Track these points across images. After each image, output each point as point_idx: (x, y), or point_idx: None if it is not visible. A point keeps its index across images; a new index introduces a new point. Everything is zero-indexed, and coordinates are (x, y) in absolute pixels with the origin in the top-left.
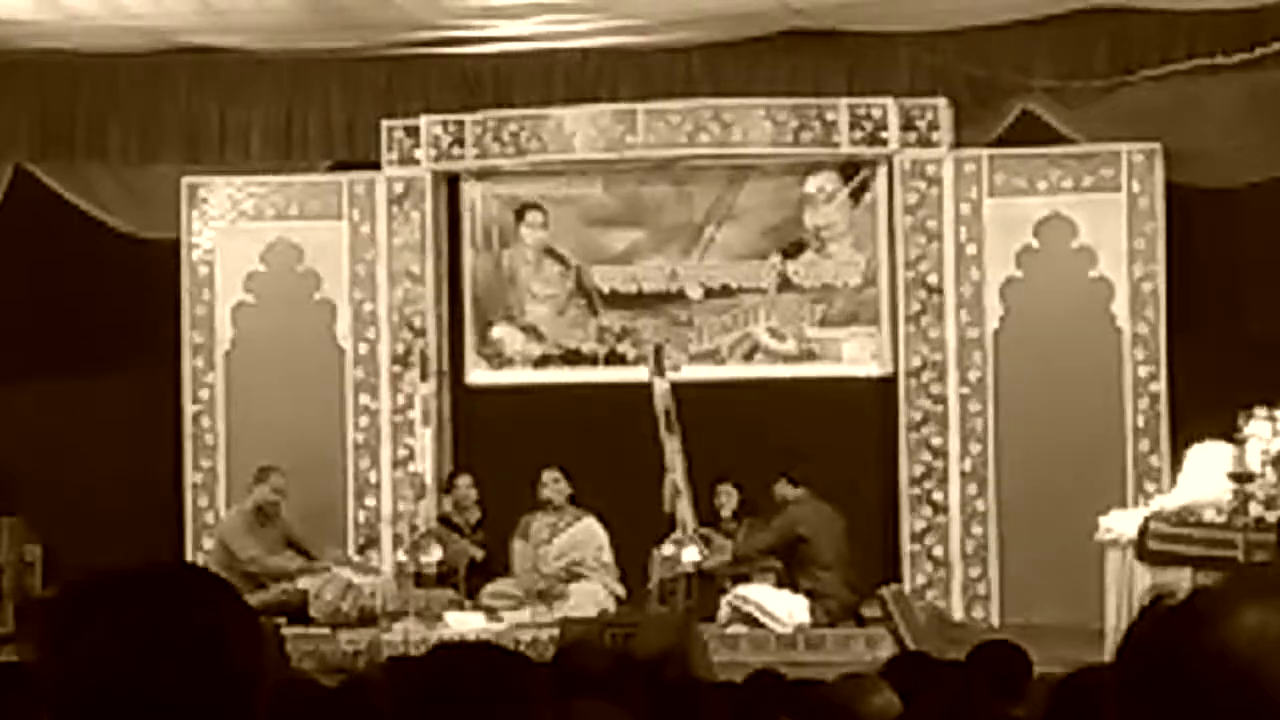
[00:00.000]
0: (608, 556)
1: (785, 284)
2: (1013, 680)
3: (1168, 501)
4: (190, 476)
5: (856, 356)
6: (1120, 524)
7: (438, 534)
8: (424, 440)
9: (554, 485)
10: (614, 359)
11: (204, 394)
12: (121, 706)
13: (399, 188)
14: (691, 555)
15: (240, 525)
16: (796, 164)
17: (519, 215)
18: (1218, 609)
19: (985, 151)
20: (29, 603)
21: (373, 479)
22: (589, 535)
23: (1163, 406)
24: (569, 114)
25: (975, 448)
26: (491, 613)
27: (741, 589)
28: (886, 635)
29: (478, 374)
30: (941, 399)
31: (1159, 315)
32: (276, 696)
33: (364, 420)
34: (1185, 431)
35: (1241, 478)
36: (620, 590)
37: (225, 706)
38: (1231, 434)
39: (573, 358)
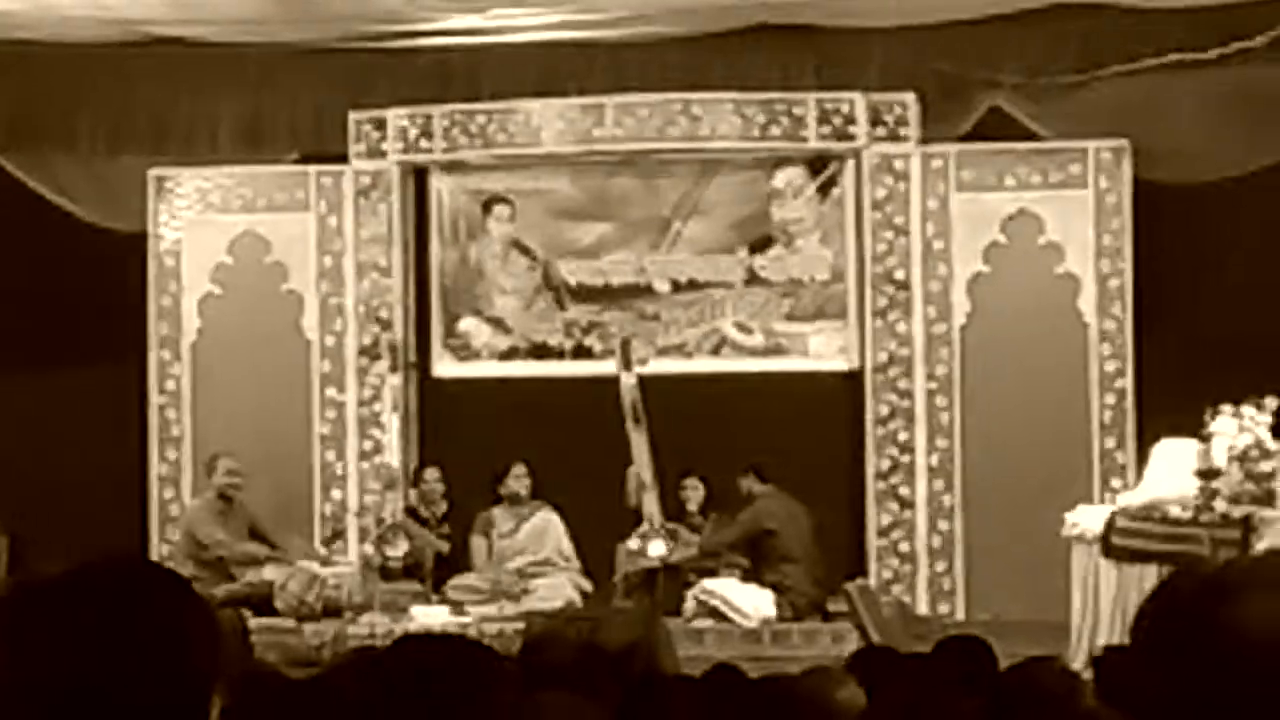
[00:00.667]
0: (568, 548)
1: (753, 278)
2: (977, 675)
3: (1133, 498)
4: (156, 468)
5: (824, 351)
6: (1086, 520)
7: (404, 527)
8: (391, 432)
9: (521, 480)
10: (581, 352)
11: (170, 385)
12: (73, 707)
13: (366, 180)
14: (657, 549)
15: (205, 513)
16: (765, 158)
17: (486, 208)
18: (1243, 585)
19: (953, 147)
20: None
21: (339, 471)
22: (548, 528)
23: (1129, 403)
24: (537, 107)
25: (942, 443)
26: (457, 606)
27: (707, 583)
28: (852, 630)
29: (444, 366)
30: (908, 394)
31: (1126, 311)
32: (241, 689)
33: (330, 412)
34: (1151, 428)
35: (1207, 474)
36: (586, 584)
37: (179, 704)
38: (1198, 431)
39: (540, 351)
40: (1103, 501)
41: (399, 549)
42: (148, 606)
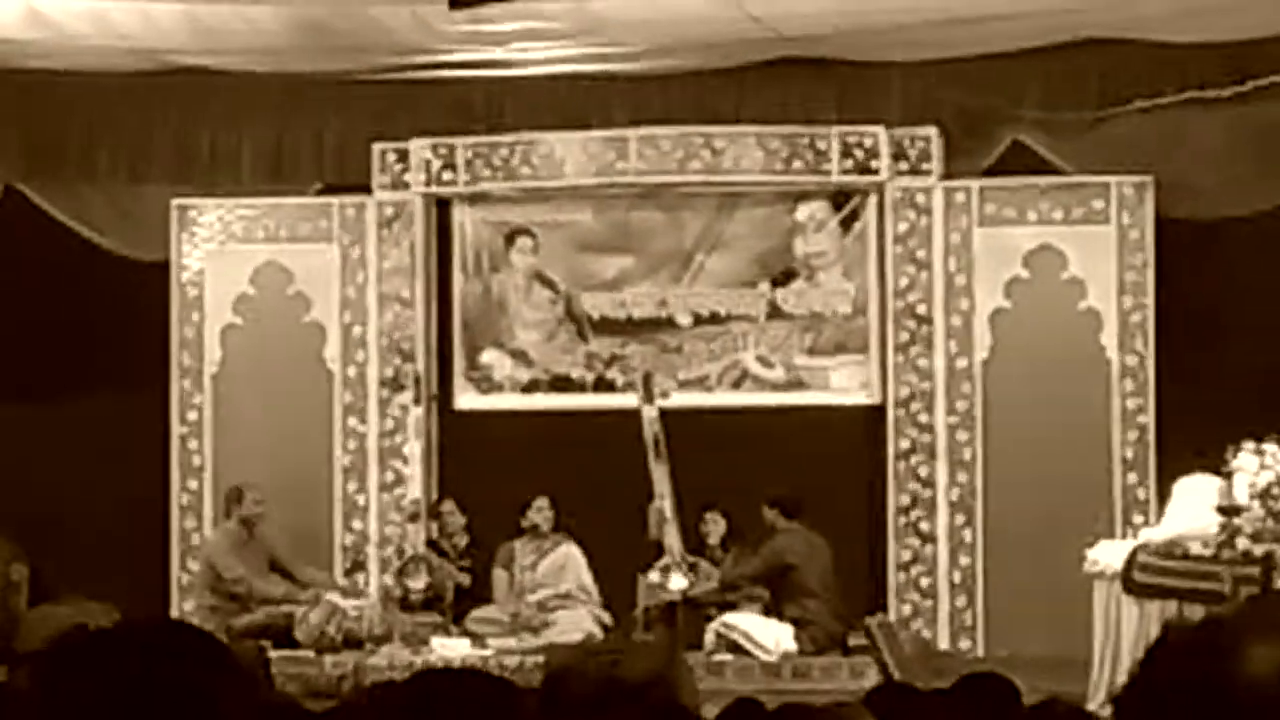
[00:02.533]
0: (589, 582)
1: (774, 312)
2: (1000, 712)
3: (1155, 534)
4: (177, 498)
5: (845, 385)
6: (1107, 556)
7: (425, 559)
8: (413, 464)
9: (543, 513)
10: (603, 385)
11: (192, 416)
12: None
13: (389, 211)
14: (678, 582)
15: (225, 544)
16: (787, 192)
17: (509, 240)
18: (1239, 640)
19: (975, 182)
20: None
21: (360, 502)
22: (569, 561)
23: (1150, 439)
24: (560, 139)
25: (963, 478)
26: (477, 639)
27: (728, 616)
28: (872, 665)
29: (466, 399)
30: (930, 429)
31: (1148, 347)
32: None
33: (352, 444)
34: (1173, 464)
35: (1228, 511)
36: (606, 617)
37: None
38: (1219, 467)
39: (561, 384)
40: (1124, 538)
41: (419, 581)
42: (178, 673)
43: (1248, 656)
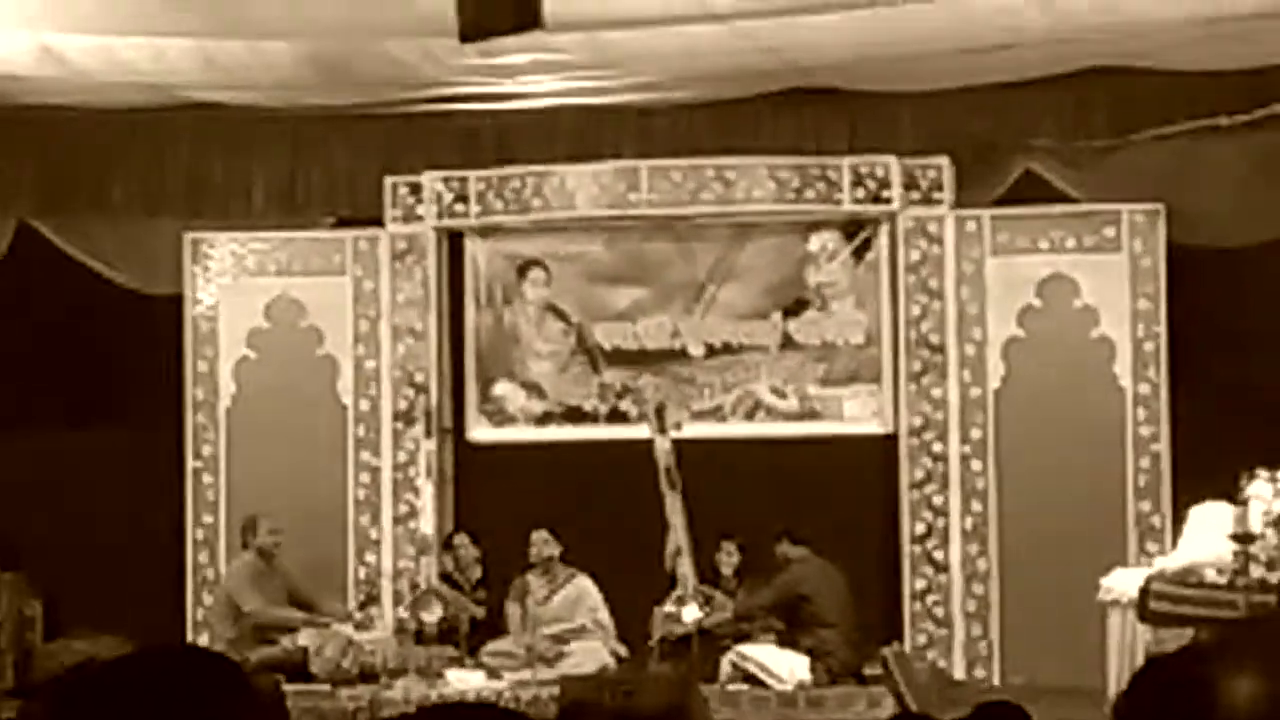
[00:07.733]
0: (604, 615)
1: (787, 342)
2: None
3: (1169, 562)
4: (192, 532)
5: (858, 415)
6: (1122, 584)
7: (439, 592)
8: (426, 497)
9: (544, 545)
10: (616, 416)
11: (206, 450)
12: None
13: (402, 244)
14: (692, 613)
15: (243, 576)
16: (799, 222)
17: (521, 272)
18: (1214, 672)
19: (987, 211)
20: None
21: (374, 535)
22: (581, 595)
23: (1164, 466)
24: (572, 171)
25: (976, 507)
26: (492, 671)
27: (743, 647)
28: (887, 694)
29: (479, 431)
30: (943, 458)
31: (1161, 375)
32: None
33: (365, 477)
34: (1187, 492)
35: (1243, 539)
36: (621, 648)
37: None
38: (1233, 495)
39: (575, 415)
40: (1138, 565)
41: (434, 614)
42: (194, 697)
43: (1225, 689)
